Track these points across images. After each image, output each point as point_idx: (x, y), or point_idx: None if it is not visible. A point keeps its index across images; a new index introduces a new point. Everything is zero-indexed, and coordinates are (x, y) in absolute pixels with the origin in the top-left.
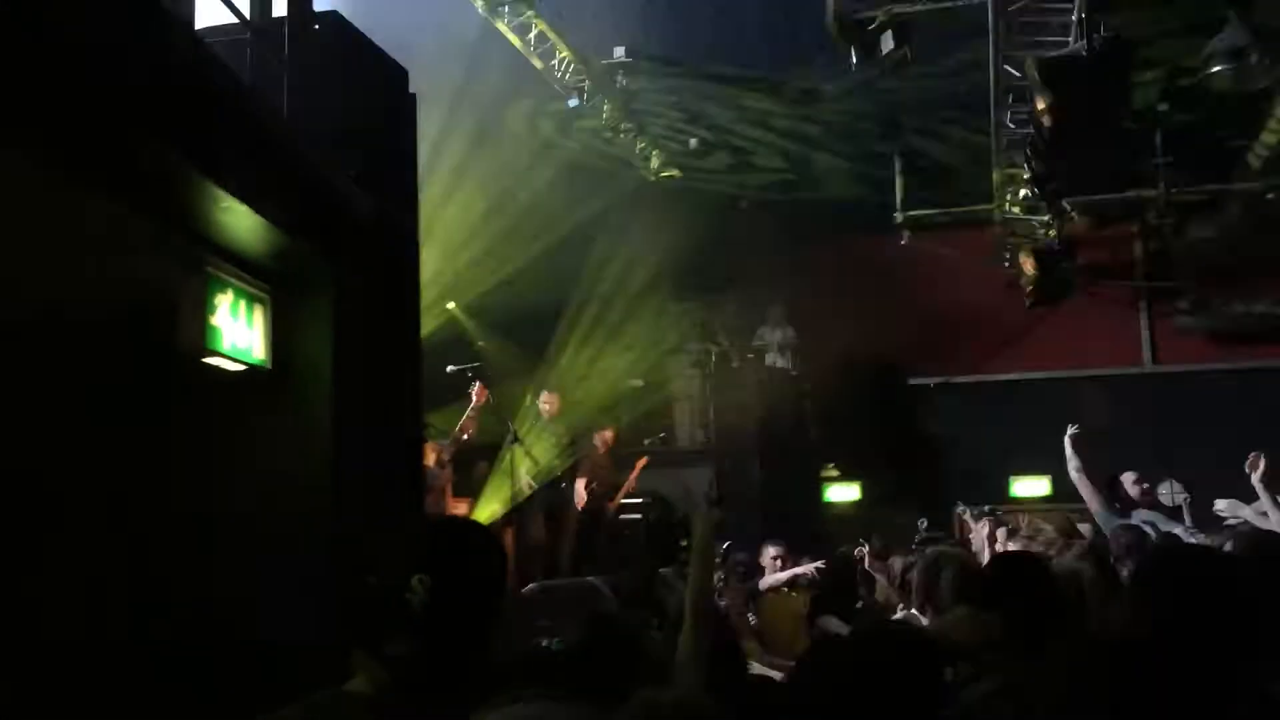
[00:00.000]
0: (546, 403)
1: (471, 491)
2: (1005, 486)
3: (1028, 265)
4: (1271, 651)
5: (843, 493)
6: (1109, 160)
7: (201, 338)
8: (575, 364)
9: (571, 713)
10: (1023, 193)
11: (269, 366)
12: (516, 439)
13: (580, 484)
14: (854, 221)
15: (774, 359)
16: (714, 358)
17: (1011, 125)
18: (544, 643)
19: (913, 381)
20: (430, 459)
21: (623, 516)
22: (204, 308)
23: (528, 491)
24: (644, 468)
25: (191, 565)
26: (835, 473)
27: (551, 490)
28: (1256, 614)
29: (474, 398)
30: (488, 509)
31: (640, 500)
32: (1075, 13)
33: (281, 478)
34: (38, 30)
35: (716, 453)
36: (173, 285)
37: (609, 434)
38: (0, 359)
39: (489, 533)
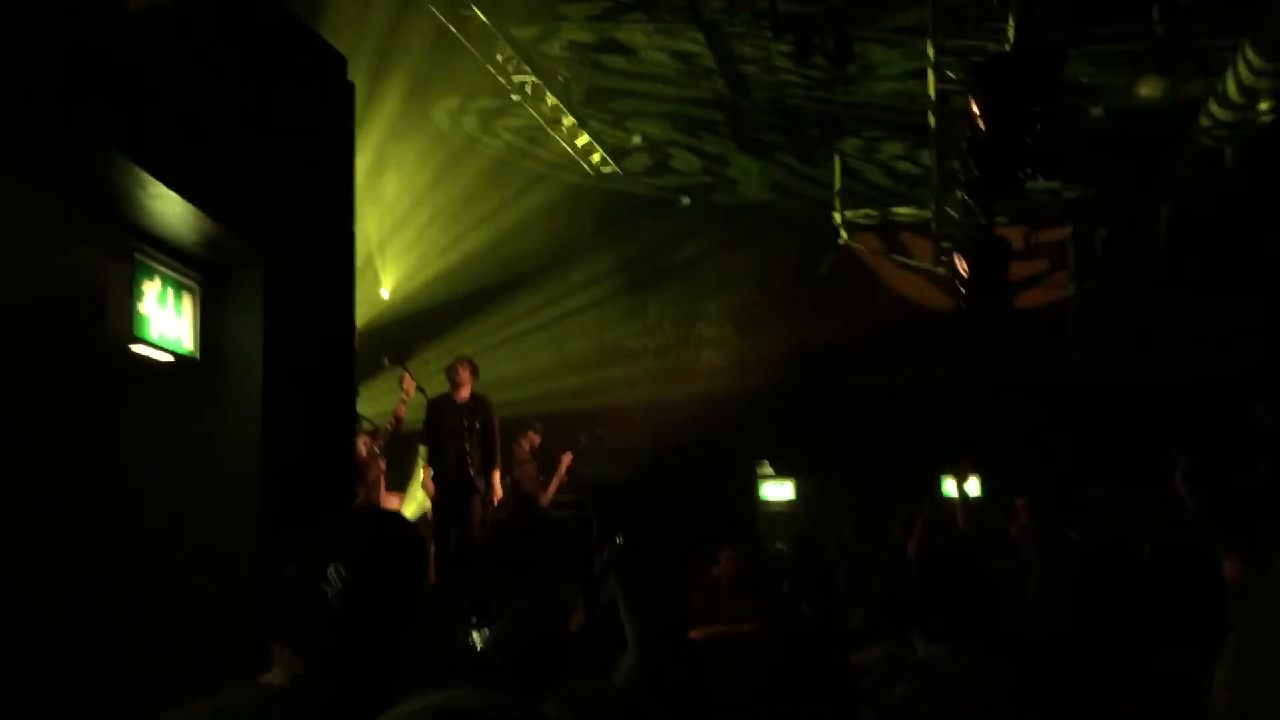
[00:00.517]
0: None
1: (403, 484)
2: (937, 485)
3: (961, 267)
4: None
5: (777, 491)
6: (1040, 163)
7: (129, 326)
8: (506, 356)
9: (496, 701)
10: (958, 194)
11: (197, 357)
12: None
13: (495, 476)
14: (793, 221)
15: (711, 355)
16: (652, 354)
17: (948, 127)
18: (473, 635)
19: (850, 381)
20: (361, 451)
21: (557, 514)
22: (131, 295)
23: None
24: (570, 464)
25: (114, 557)
26: (770, 471)
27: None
28: (1162, 607)
29: (403, 388)
30: (415, 502)
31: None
32: (1012, 18)
33: (209, 469)
34: None
35: (650, 450)
36: (99, 272)
37: (535, 437)
38: None
39: (408, 524)
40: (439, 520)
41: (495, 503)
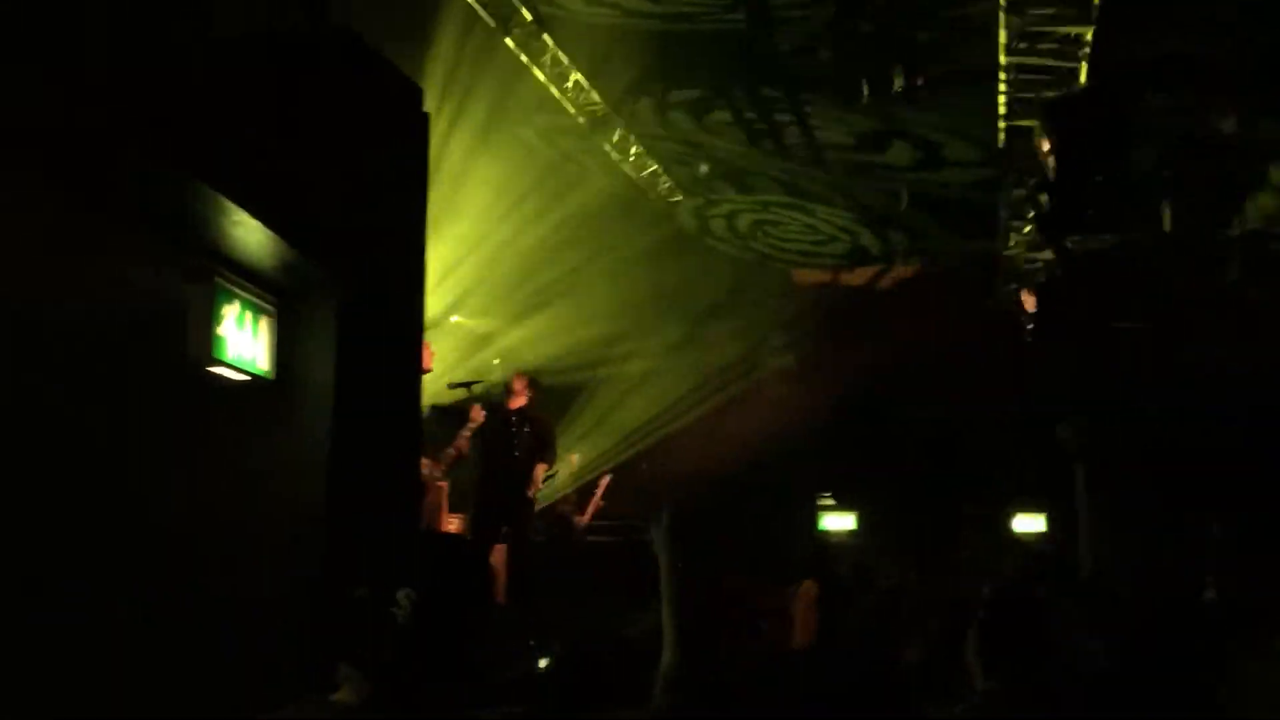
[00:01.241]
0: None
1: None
2: (1003, 522)
3: (1029, 303)
4: None
5: (838, 522)
6: (1113, 201)
7: (208, 347)
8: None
9: None
10: (1026, 230)
11: (273, 377)
12: None
13: (539, 470)
14: (860, 255)
15: (774, 387)
16: (714, 382)
17: (1018, 164)
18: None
19: (911, 414)
20: (425, 473)
21: (590, 539)
22: (211, 318)
23: None
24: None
25: (189, 571)
26: (831, 501)
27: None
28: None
29: (471, 417)
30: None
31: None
32: (1085, 56)
33: (280, 488)
34: (50, 40)
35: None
36: (181, 295)
37: (574, 458)
38: (16, 366)
39: (476, 549)
40: (481, 526)
41: (531, 492)
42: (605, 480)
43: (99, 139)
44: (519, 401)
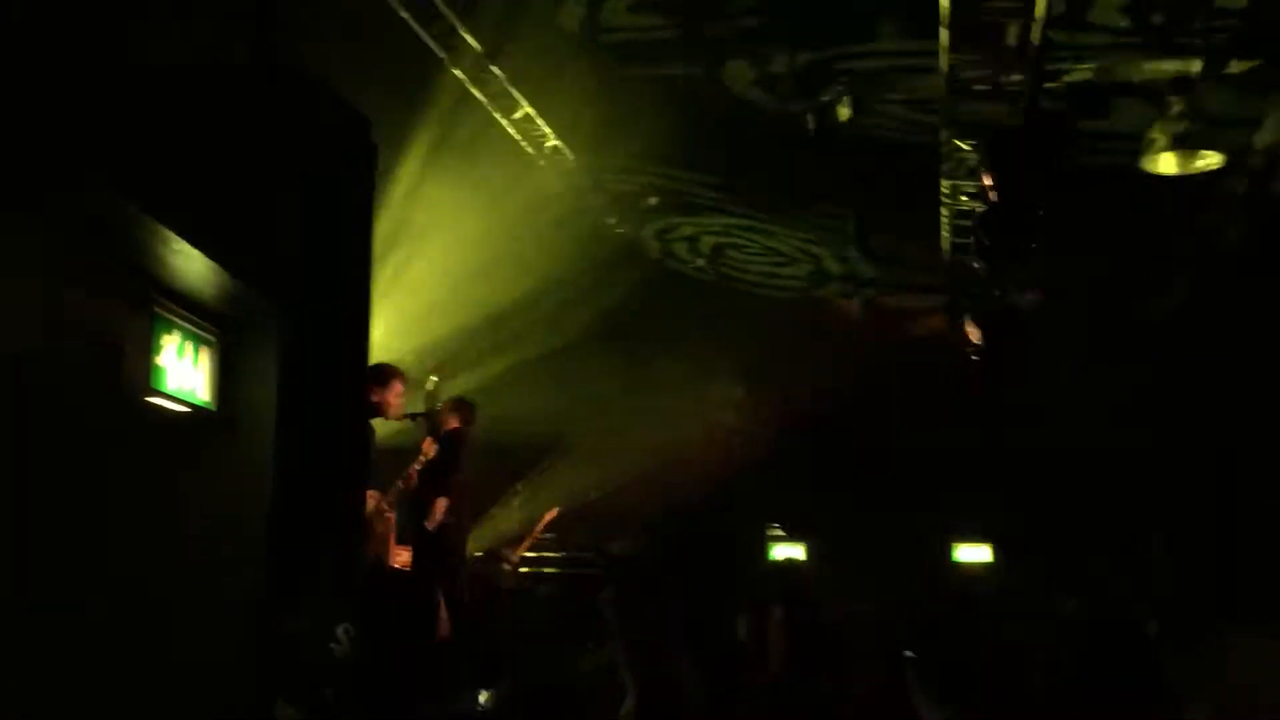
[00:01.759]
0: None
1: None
2: (949, 553)
3: (974, 335)
4: None
5: (788, 552)
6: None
7: (146, 377)
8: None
9: None
10: (973, 264)
11: (214, 409)
12: None
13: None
14: (809, 283)
15: (723, 415)
16: (662, 412)
17: (962, 198)
18: (478, 699)
19: (861, 444)
20: (371, 506)
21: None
22: (150, 347)
23: None
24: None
25: (123, 607)
26: (780, 532)
27: None
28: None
29: (423, 449)
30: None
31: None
32: (1026, 90)
33: (220, 522)
34: None
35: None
36: (119, 324)
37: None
38: None
39: (419, 584)
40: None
41: (429, 525)
42: (550, 514)
43: (42, 163)
44: (448, 425)
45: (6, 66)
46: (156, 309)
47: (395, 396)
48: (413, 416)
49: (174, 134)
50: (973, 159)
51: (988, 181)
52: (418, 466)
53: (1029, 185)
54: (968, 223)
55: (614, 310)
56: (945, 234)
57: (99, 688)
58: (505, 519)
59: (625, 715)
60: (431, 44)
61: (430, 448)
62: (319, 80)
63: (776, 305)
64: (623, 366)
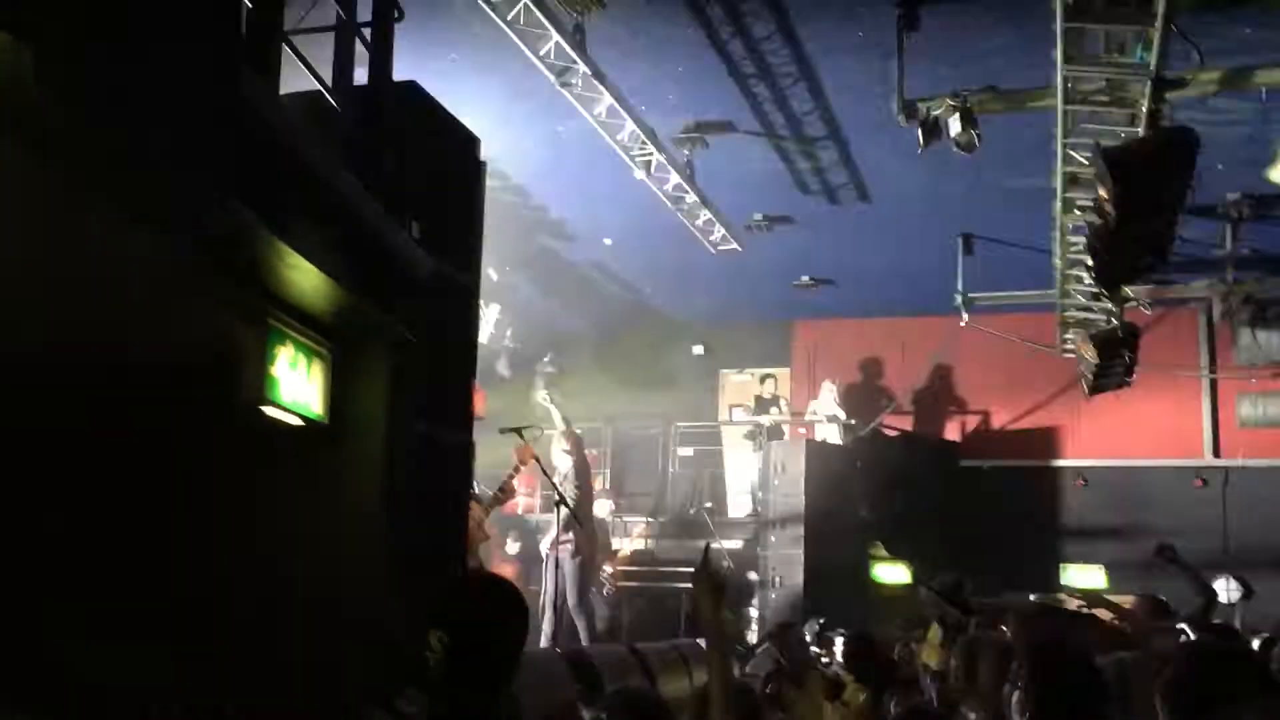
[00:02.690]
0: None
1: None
2: (1057, 574)
3: (1087, 352)
4: None
5: (891, 573)
6: (1169, 250)
7: (261, 388)
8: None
9: None
10: (1085, 279)
11: (325, 421)
12: (562, 501)
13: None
14: (913, 300)
15: (824, 434)
16: (765, 429)
17: (1076, 211)
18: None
19: (965, 464)
20: (472, 517)
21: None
22: (265, 359)
23: None
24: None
25: (234, 618)
26: (883, 553)
27: None
28: None
29: (516, 458)
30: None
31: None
32: (1145, 103)
33: (330, 532)
34: (121, 82)
35: (762, 525)
36: (237, 336)
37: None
38: (71, 402)
39: (513, 592)
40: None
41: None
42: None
43: (167, 177)
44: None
45: (147, 79)
46: (271, 321)
47: (480, 402)
48: (510, 430)
49: (294, 151)
50: (1089, 171)
51: (1104, 194)
52: (512, 473)
53: (1151, 199)
54: (1081, 237)
55: None
56: (1057, 247)
57: (208, 688)
58: None
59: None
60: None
61: (527, 455)
62: (430, 98)
63: None
64: None
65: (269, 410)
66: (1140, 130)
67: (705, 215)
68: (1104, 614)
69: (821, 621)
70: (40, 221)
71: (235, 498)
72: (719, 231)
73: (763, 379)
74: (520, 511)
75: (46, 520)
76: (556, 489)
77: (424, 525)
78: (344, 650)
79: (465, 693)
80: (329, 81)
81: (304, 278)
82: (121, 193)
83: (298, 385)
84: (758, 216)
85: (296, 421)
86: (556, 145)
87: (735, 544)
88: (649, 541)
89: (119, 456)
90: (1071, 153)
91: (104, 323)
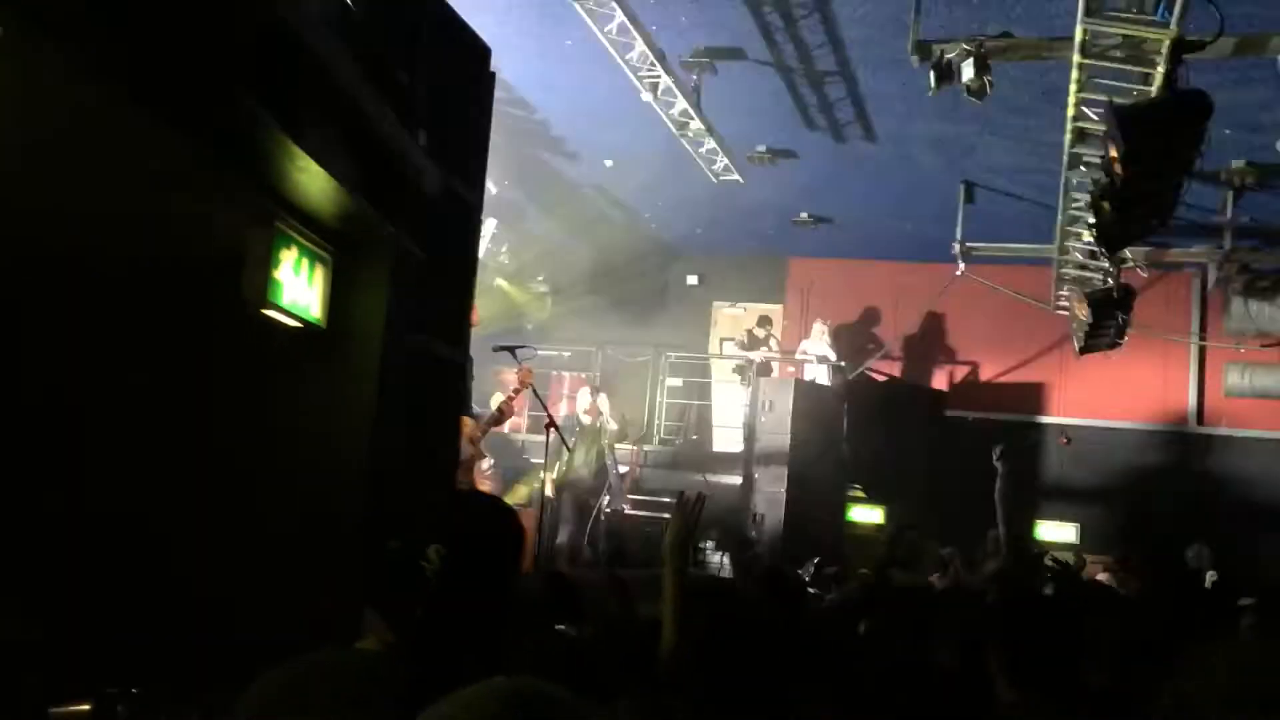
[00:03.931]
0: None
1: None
2: (1030, 529)
3: (1081, 310)
4: None
5: (866, 514)
6: (1172, 213)
7: (264, 290)
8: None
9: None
10: (1085, 237)
11: (324, 326)
12: (552, 424)
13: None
14: (911, 245)
15: (814, 374)
16: (754, 366)
17: (1082, 167)
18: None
19: (949, 414)
20: (465, 432)
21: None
22: (269, 261)
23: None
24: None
25: (230, 510)
26: (861, 494)
27: None
28: None
29: (516, 380)
30: (517, 496)
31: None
32: (1162, 63)
33: (323, 436)
34: None
35: (745, 460)
36: (241, 235)
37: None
38: (75, 287)
39: (510, 512)
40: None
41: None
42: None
43: (183, 70)
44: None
45: None
46: (277, 223)
47: (474, 313)
48: (504, 348)
49: (308, 51)
50: (1098, 128)
51: (1114, 154)
52: (512, 395)
53: (1160, 161)
54: (1086, 194)
55: None
56: (1060, 201)
57: (206, 585)
58: None
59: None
60: None
61: (527, 376)
62: (448, 6)
63: None
64: None
65: (269, 311)
66: (1154, 91)
67: (709, 143)
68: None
69: (817, 561)
70: (55, 114)
71: (231, 395)
72: (722, 161)
73: (759, 320)
74: (507, 430)
75: (58, 400)
76: (547, 411)
77: (416, 436)
78: (331, 550)
79: (462, 607)
80: None
81: (312, 180)
82: (135, 84)
83: (299, 288)
84: (761, 149)
85: (295, 324)
86: (564, 59)
87: (734, 479)
88: (638, 470)
89: (125, 344)
90: (1083, 108)
91: (117, 216)
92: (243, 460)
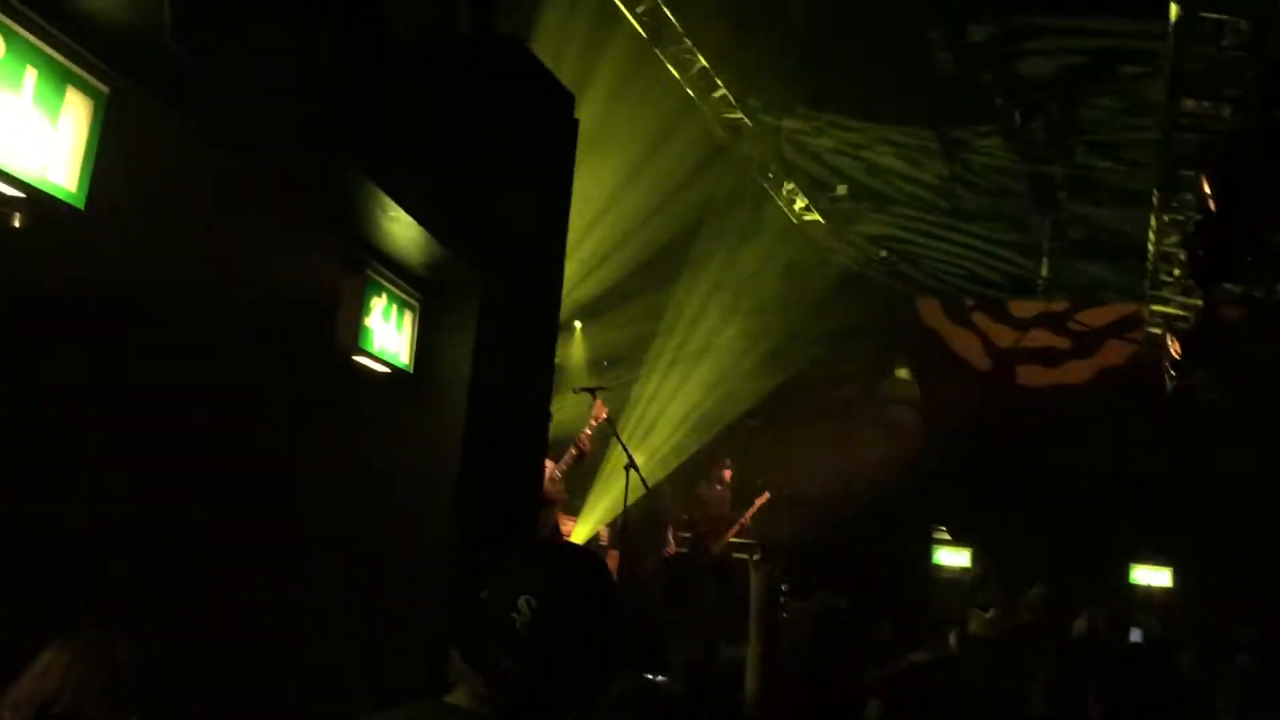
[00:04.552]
0: None
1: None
2: (1124, 574)
3: (1175, 349)
4: None
5: (952, 558)
6: (1272, 250)
7: (355, 337)
8: (684, 395)
9: None
10: (1176, 273)
11: (411, 371)
12: (633, 465)
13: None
14: (996, 285)
15: (896, 413)
16: (838, 406)
17: (1174, 204)
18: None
19: (1047, 455)
20: (546, 474)
21: (736, 555)
22: (360, 308)
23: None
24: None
25: (317, 555)
26: (946, 536)
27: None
28: None
29: (592, 414)
30: (584, 527)
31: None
32: (1256, 94)
33: (412, 480)
34: (234, 25)
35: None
36: (336, 284)
37: (726, 472)
38: (176, 342)
39: (600, 561)
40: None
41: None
42: (762, 499)
43: (279, 123)
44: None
45: (254, 25)
46: (369, 271)
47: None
48: (586, 390)
49: (398, 104)
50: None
51: (1207, 188)
52: (588, 432)
53: (1251, 196)
54: (1176, 233)
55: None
56: (1151, 242)
57: (287, 635)
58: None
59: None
60: (636, 25)
61: (601, 411)
62: (531, 54)
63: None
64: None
65: (359, 358)
66: (1249, 121)
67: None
68: None
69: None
70: (161, 165)
71: (322, 442)
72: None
73: None
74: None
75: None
76: (627, 450)
77: (501, 482)
78: (419, 597)
79: (554, 660)
80: (432, 30)
81: (401, 229)
82: (230, 133)
83: (388, 335)
84: (840, 190)
85: (384, 370)
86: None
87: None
88: None
89: (218, 391)
90: (1176, 141)
91: (215, 261)
92: (331, 505)
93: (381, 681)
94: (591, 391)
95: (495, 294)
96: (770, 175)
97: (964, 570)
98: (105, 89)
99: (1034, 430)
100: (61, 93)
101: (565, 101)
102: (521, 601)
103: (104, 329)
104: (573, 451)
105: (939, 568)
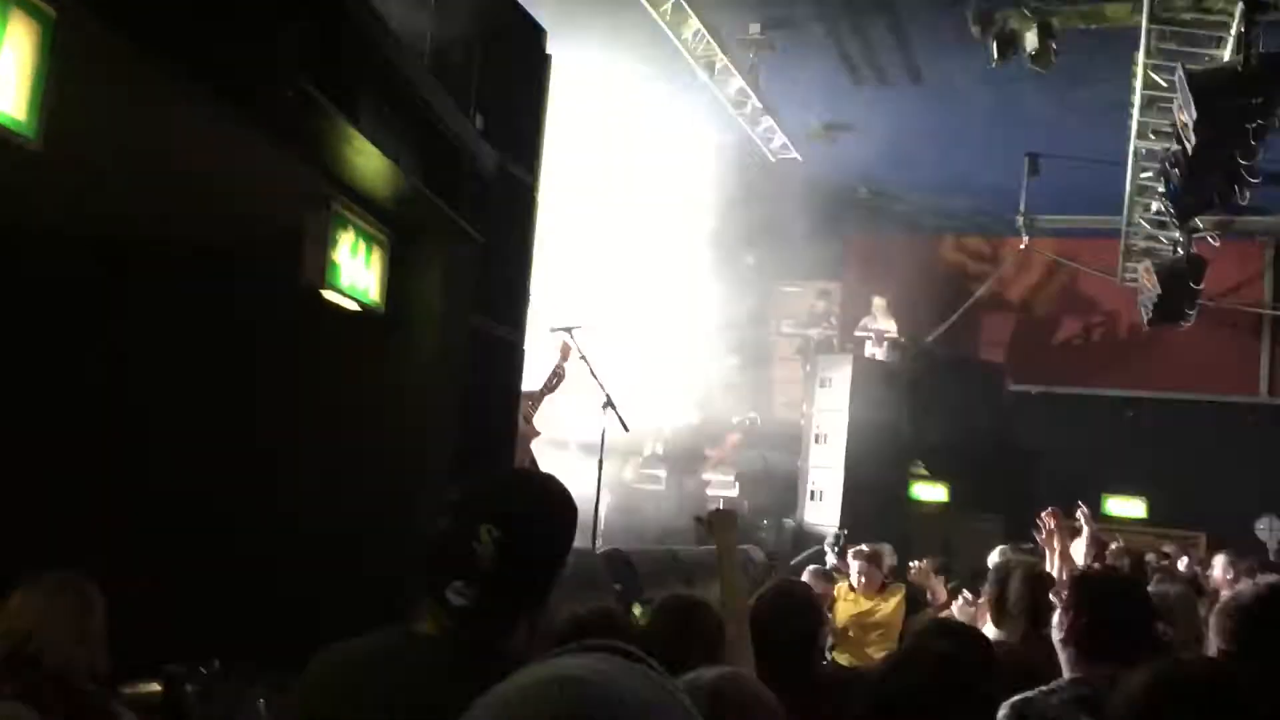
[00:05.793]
0: None
1: None
2: (1098, 504)
3: (1150, 281)
4: None
5: (929, 492)
6: (1245, 181)
7: (322, 272)
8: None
9: (634, 673)
10: (1154, 206)
11: (382, 309)
12: (611, 404)
13: None
14: (973, 220)
15: (873, 350)
16: (814, 343)
17: (1151, 136)
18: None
19: (1014, 388)
20: (523, 414)
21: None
22: (326, 243)
23: None
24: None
25: (286, 493)
26: (924, 471)
27: None
28: None
29: (560, 354)
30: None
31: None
32: (1235, 25)
33: (383, 417)
34: None
35: (805, 438)
36: (301, 218)
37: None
38: (135, 267)
39: (564, 489)
40: None
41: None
42: (732, 439)
43: (239, 50)
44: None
45: None
46: (335, 205)
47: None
48: (560, 330)
49: (367, 36)
50: (1168, 96)
51: (1185, 121)
52: (561, 365)
53: (1231, 129)
54: (1155, 163)
55: None
56: (1128, 171)
57: (267, 566)
58: None
59: None
60: None
61: (567, 351)
62: None
63: None
64: None
65: (328, 294)
66: (1227, 54)
67: (767, 121)
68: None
69: (845, 532)
70: (119, 97)
71: (290, 376)
72: (779, 139)
73: (819, 294)
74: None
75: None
76: (603, 389)
77: (474, 418)
78: (393, 531)
79: (515, 588)
80: None
81: (369, 163)
82: (192, 64)
83: (357, 271)
84: (818, 124)
85: (354, 307)
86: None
87: (792, 456)
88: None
89: (183, 321)
90: (1153, 75)
91: (177, 195)
92: (303, 442)
93: (358, 615)
94: (568, 331)
95: (465, 229)
96: (749, 112)
97: (940, 505)
98: (53, 12)
99: (1003, 364)
100: (5, 16)
101: (536, 35)
102: (482, 529)
103: (63, 265)
104: (547, 385)
105: (917, 502)
